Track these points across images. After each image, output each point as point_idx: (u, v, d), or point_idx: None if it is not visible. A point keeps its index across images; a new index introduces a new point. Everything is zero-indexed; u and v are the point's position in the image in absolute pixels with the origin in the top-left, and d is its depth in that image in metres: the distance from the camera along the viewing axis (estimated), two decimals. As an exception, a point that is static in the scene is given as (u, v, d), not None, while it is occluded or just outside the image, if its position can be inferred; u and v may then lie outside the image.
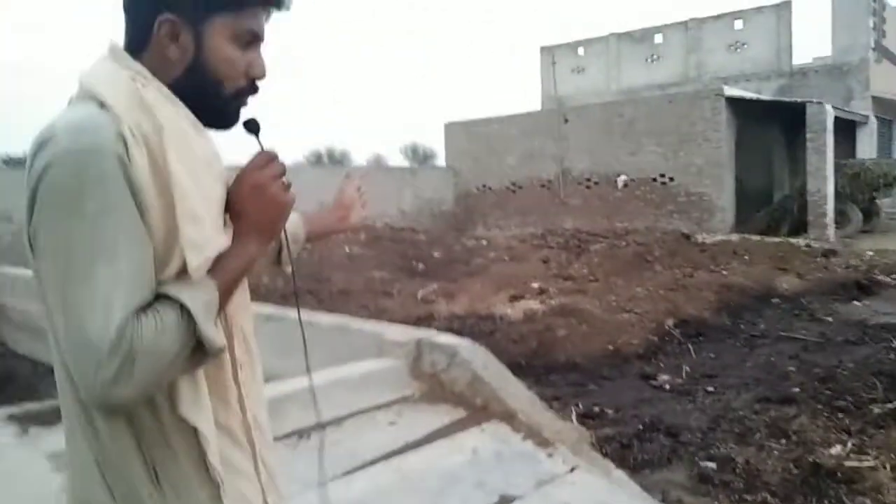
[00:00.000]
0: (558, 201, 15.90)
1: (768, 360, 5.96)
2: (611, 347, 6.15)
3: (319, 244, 11.41)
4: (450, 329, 7.44)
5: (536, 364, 5.97)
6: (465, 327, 7.49)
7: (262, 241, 1.05)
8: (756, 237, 12.24)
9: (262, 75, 1.09)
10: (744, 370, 5.72)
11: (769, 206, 14.23)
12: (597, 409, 4.94)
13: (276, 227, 1.07)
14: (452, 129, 17.81)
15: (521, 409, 3.28)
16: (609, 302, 7.77)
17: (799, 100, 13.79)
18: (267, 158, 1.06)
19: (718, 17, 19.16)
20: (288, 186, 1.07)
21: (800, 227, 13.25)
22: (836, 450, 3.88)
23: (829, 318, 7.54)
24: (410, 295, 8.80)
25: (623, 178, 14.85)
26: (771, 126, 14.88)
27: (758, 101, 13.71)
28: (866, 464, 3.62)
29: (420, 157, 38.96)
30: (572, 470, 3.01)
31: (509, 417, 3.31)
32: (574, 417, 4.69)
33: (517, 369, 5.93)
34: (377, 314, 8.01)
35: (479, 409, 3.44)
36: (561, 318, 7.17)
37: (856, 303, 8.38)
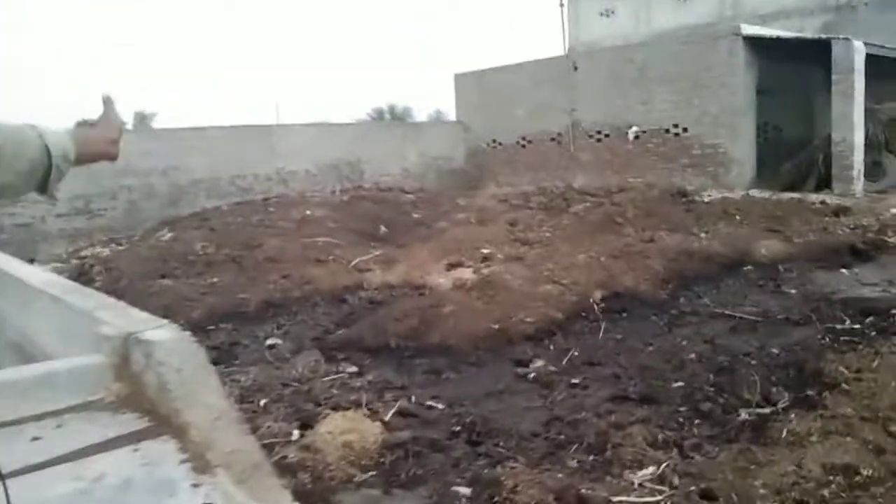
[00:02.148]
0: (568, 156, 14.83)
1: (677, 345, 5.11)
2: (496, 327, 5.41)
3: (281, 209, 10.97)
4: (371, 302, 6.90)
5: (408, 346, 5.32)
6: (384, 298, 6.93)
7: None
8: (764, 194, 10.98)
9: None
10: (638, 357, 4.90)
11: (795, 159, 12.77)
12: (429, 403, 4.29)
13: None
14: (463, 81, 16.85)
15: (200, 424, 2.65)
16: (542, 271, 6.97)
17: (823, 36, 12.17)
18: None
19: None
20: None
21: (828, 181, 11.81)
22: (642, 473, 3.11)
23: (794, 291, 6.52)
24: (346, 262, 8.23)
25: (634, 129, 13.64)
26: (807, 68, 13.27)
27: (780, 40, 12.16)
28: (647, 500, 2.85)
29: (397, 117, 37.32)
30: (207, 507, 2.39)
31: (182, 433, 2.69)
32: (388, 416, 4.06)
33: (385, 351, 5.37)
34: (300, 284, 7.52)
35: (162, 420, 2.83)
36: (477, 290, 6.47)
37: (843, 270, 7.27)
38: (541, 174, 15.17)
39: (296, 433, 3.93)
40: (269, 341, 5.88)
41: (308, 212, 10.37)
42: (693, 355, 4.82)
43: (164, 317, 5.48)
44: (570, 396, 4.26)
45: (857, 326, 5.21)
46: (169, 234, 9.44)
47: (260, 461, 2.98)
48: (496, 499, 2.95)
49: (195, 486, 2.64)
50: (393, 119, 35.86)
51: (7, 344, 3.43)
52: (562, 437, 3.66)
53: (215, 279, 7.69)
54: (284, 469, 3.41)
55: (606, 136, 14.26)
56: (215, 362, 5.49)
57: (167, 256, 8.36)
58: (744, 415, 3.73)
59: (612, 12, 18.95)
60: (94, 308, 3.53)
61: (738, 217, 9.26)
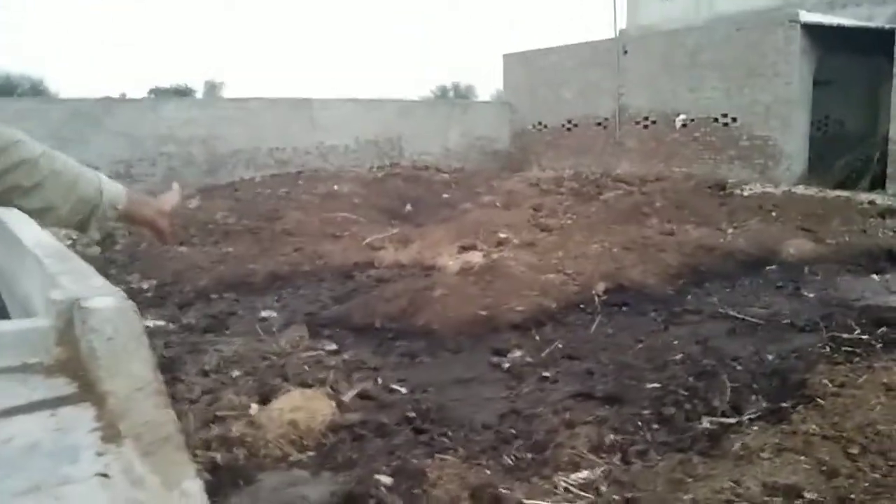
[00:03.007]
0: (613, 142, 14.43)
1: (667, 344, 4.90)
2: (483, 313, 5.30)
3: (311, 183, 11.03)
4: (378, 280, 6.88)
5: (392, 327, 5.28)
6: (391, 277, 6.90)
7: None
8: (809, 190, 10.43)
9: None
10: (622, 354, 4.72)
11: (850, 155, 12.08)
12: (393, 387, 4.25)
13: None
14: (511, 61, 16.54)
15: (119, 393, 2.68)
16: (551, 259, 6.81)
17: (887, 26, 11.38)
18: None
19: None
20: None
21: (882, 180, 11.14)
22: (574, 477, 3.00)
23: (812, 294, 6.18)
24: (361, 239, 8.23)
25: (682, 117, 13.14)
26: (874, 60, 12.49)
27: (841, 29, 11.45)
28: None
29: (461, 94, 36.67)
30: (103, 475, 2.41)
31: (101, 402, 2.72)
32: (348, 397, 4.03)
33: (369, 331, 5.34)
34: (312, 258, 7.57)
35: (87, 387, 2.87)
36: (477, 275, 6.37)
37: (874, 276, 6.85)
38: (585, 159, 14.85)
39: (254, 407, 3.94)
40: (263, 314, 5.94)
41: (336, 187, 10.42)
42: (679, 356, 4.62)
43: (173, 282, 5.62)
44: (536, 390, 4.14)
45: (864, 336, 4.88)
46: (196, 202, 9.62)
47: (171, 434, 2.98)
48: (414, 490, 2.88)
49: (98, 454, 2.67)
50: (456, 97, 35.63)
51: (19, 302, 3.55)
52: (511, 431, 3.56)
53: (230, 249, 7.81)
54: (224, 443, 3.42)
55: (653, 122, 13.81)
56: (206, 330, 5.62)
57: (189, 223, 8.53)
58: (705, 423, 3.55)
59: (673, -6, 18.25)
60: (59, 272, 3.60)
61: (773, 213, 8.84)
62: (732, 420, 3.56)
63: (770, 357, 4.63)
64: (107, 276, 5.58)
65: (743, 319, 5.42)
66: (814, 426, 3.30)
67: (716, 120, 12.74)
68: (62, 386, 3.08)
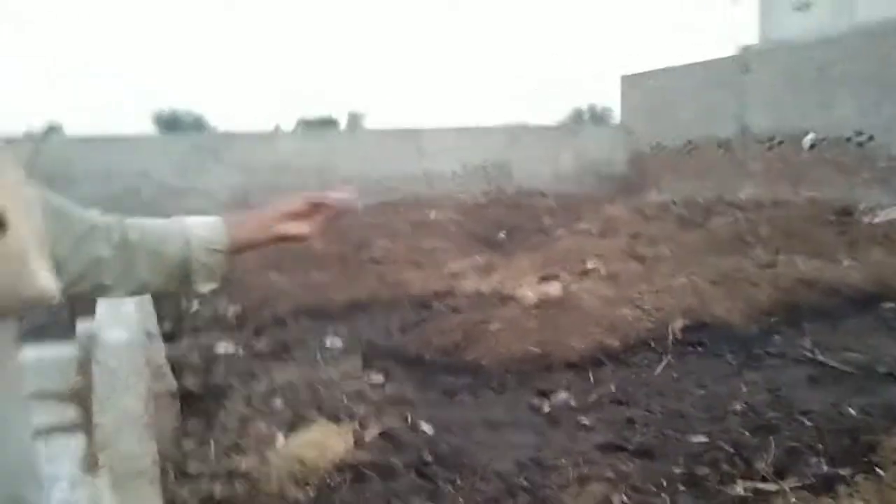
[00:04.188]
0: (736, 164, 13.51)
1: (734, 391, 4.45)
2: (537, 351, 5.07)
3: (410, 210, 11.15)
4: (454, 310, 6.81)
5: (440, 361, 5.17)
6: (468, 307, 6.80)
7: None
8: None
9: None
10: (680, 401, 4.34)
11: None
12: (422, 425, 4.13)
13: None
14: (629, 83, 15.99)
15: (107, 426, 2.84)
16: (632, 292, 6.44)
17: None
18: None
19: None
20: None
21: None
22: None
23: (928, 339, 5.40)
24: (445, 268, 8.20)
25: (810, 137, 12.07)
26: None
27: None
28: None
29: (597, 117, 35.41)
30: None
31: (92, 432, 2.87)
32: (370, 434, 3.96)
33: (419, 364, 5.28)
34: (392, 287, 7.64)
35: (87, 416, 3.03)
36: (548, 307, 6.14)
37: None
38: (706, 182, 14.01)
39: (280, 439, 3.98)
40: (328, 342, 6.02)
41: (433, 215, 10.47)
42: (743, 406, 4.17)
43: (257, 308, 5.83)
44: (567, 438, 3.88)
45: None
46: (295, 230, 10.00)
47: (147, 468, 3.06)
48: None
49: (72, 485, 2.77)
50: (592, 119, 35.10)
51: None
52: (523, 483, 3.34)
53: (319, 276, 8.04)
54: (230, 476, 3.47)
55: (779, 143, 12.80)
56: (270, 357, 5.77)
57: (284, 250, 8.87)
58: (739, 489, 3.15)
59: (808, 5, 16.92)
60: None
61: (904, 244, 7.87)
62: (772, 487, 3.14)
63: (852, 412, 4.07)
64: (200, 299, 5.82)
65: (832, 367, 4.82)
66: (860, 502, 2.84)
67: (848, 139, 11.60)
68: (67, 414, 3.22)
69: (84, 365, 3.45)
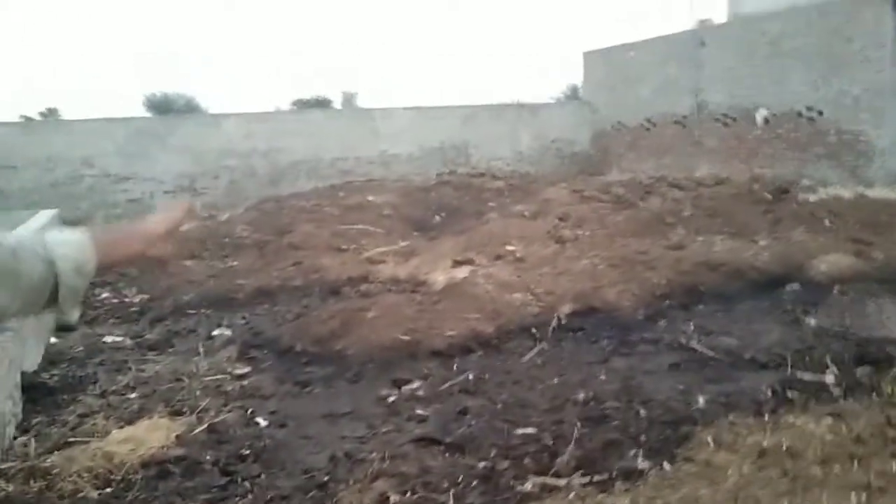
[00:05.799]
0: (692, 141, 13.32)
1: (589, 380, 4.36)
2: (406, 338, 4.98)
3: (350, 194, 11.03)
4: (364, 296, 6.71)
5: (312, 351, 5.09)
6: (378, 292, 6.71)
7: None
8: (894, 193, 9.03)
9: None
10: (531, 390, 4.25)
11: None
12: (258, 418, 4.06)
13: None
14: (591, 59, 15.73)
15: None
16: (531, 276, 6.35)
17: None
18: None
19: None
20: None
21: None
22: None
23: (813, 322, 5.28)
24: (366, 253, 8.10)
25: (763, 112, 11.87)
26: None
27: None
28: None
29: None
30: None
31: None
32: (200, 428, 3.89)
33: (289, 354, 5.19)
34: (307, 273, 7.55)
35: None
36: (443, 294, 6.07)
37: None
38: (665, 160, 13.87)
39: (114, 434, 3.91)
40: (215, 332, 5.94)
41: (371, 198, 10.35)
42: (588, 395, 4.08)
43: (161, 297, 5.74)
44: (394, 430, 3.79)
45: (828, 379, 4.10)
46: (226, 216, 9.92)
47: None
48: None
49: None
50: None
51: None
52: (324, 478, 3.27)
53: (234, 263, 7.96)
54: (31, 473, 3.40)
55: (733, 119, 12.61)
56: (152, 348, 5.70)
57: (209, 237, 8.80)
58: (529, 485, 3.07)
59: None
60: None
61: (827, 222, 7.73)
62: (562, 482, 3.06)
63: (700, 402, 3.98)
64: (112, 287, 5.70)
65: (702, 354, 4.72)
66: (641, 500, 2.76)
67: (800, 114, 11.41)
68: None
69: None
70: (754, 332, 5.13)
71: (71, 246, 1.08)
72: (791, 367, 4.32)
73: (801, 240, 7.21)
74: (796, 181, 9.70)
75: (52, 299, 1.05)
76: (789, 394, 3.88)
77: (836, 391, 3.91)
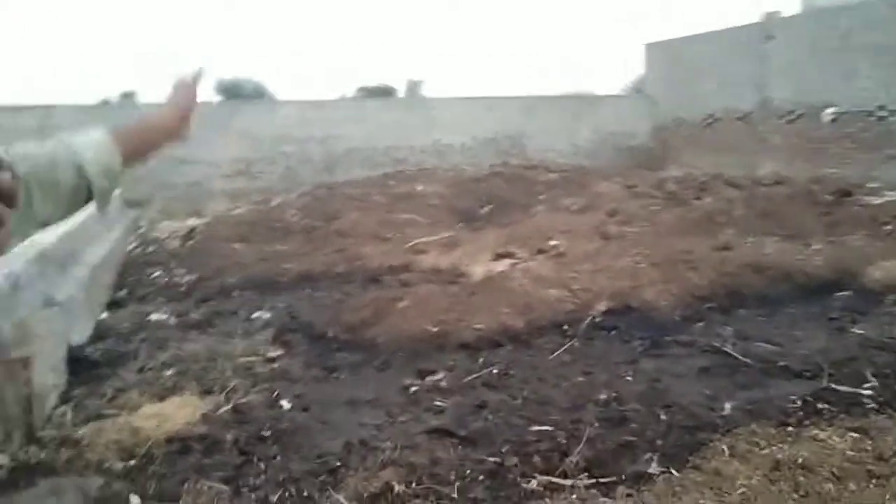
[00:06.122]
0: (756, 138, 12.88)
1: (615, 380, 4.29)
2: (434, 329, 5.02)
3: (400, 183, 11.08)
4: (405, 285, 6.79)
5: (341, 338, 5.17)
6: (418, 282, 6.77)
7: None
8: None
9: None
10: (554, 387, 4.22)
11: None
12: (282, 402, 4.16)
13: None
14: (653, 52, 15.37)
15: None
16: (570, 273, 6.28)
17: None
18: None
19: None
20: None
21: None
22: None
23: (859, 332, 5.06)
24: (406, 242, 8.16)
25: (831, 110, 11.37)
26: None
27: None
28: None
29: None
30: None
31: None
32: (225, 408, 4.02)
33: (322, 340, 5.29)
34: (349, 260, 7.67)
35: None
36: (483, 286, 6.08)
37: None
38: (725, 157, 13.46)
39: (145, 408, 4.08)
40: (255, 314, 6.10)
41: (420, 187, 10.41)
42: (611, 395, 4.03)
43: (210, 278, 5.96)
44: (411, 420, 3.84)
45: (863, 391, 3.93)
46: (278, 201, 10.14)
47: None
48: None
49: None
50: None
51: None
52: (337, 464, 3.33)
53: (282, 247, 8.14)
54: (62, 443, 3.58)
55: (799, 116, 12.14)
56: (194, 327, 5.89)
57: (260, 221, 9.02)
58: (535, 483, 3.06)
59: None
60: None
61: (889, 227, 7.39)
62: (567, 482, 3.04)
63: (727, 407, 3.89)
64: (164, 267, 5.97)
65: (735, 359, 4.59)
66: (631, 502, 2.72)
67: (870, 114, 10.89)
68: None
69: None
70: (794, 339, 4.95)
71: (97, 149, 1.12)
72: (828, 377, 4.17)
73: (857, 245, 6.91)
74: (861, 183, 9.27)
75: (84, 202, 1.12)
76: (819, 405, 3.75)
77: (871, 405, 3.76)
